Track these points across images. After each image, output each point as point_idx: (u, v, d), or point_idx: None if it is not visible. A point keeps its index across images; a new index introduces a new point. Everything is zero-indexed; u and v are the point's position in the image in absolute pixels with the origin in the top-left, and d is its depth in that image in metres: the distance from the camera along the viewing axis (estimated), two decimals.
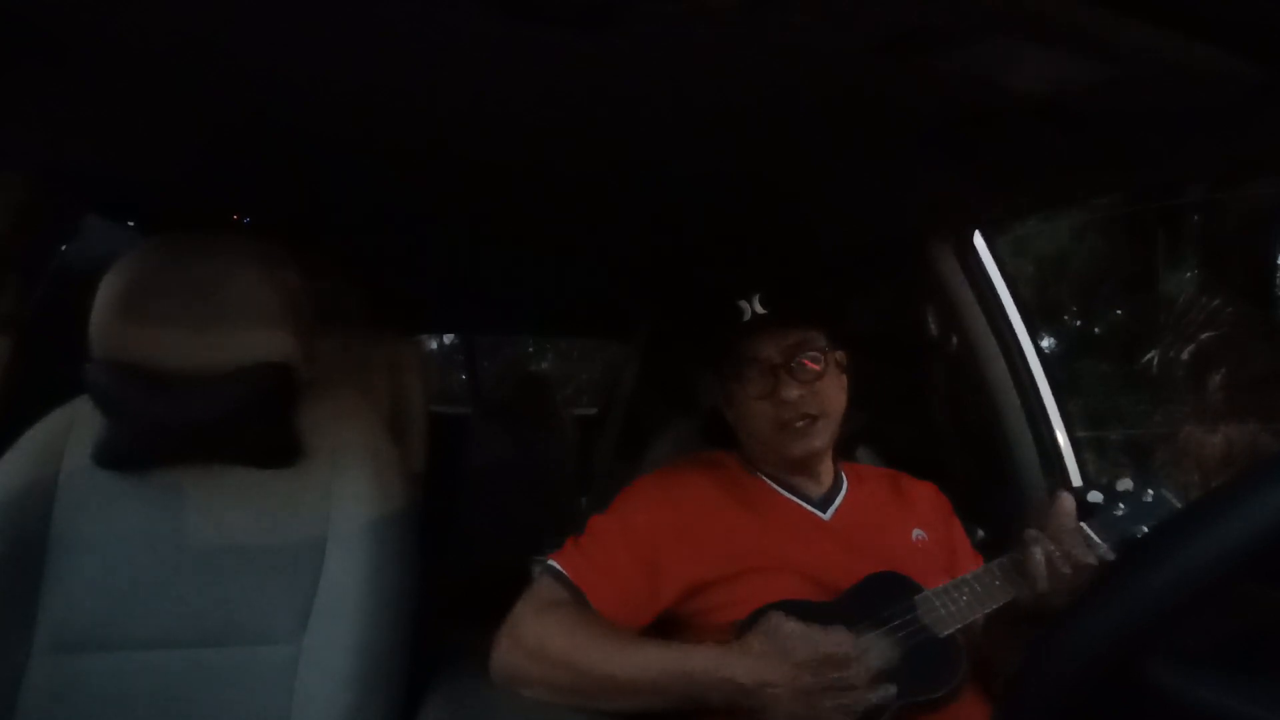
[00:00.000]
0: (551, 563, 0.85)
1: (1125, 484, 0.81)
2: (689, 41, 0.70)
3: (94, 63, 0.78)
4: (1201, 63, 0.66)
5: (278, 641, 0.89)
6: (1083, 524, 0.77)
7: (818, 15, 0.64)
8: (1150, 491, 0.78)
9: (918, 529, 0.93)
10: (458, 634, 0.91)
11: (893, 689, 0.71)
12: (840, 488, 0.95)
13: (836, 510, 0.92)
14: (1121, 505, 0.78)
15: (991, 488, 1.24)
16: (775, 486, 0.93)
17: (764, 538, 0.86)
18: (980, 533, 1.13)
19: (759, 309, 0.90)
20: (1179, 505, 0.77)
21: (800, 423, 0.88)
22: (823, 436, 0.90)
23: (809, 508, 0.92)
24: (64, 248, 1.21)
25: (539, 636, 0.78)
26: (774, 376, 0.88)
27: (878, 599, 0.79)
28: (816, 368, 0.89)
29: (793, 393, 0.87)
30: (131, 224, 1.40)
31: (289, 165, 1.14)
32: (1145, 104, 0.76)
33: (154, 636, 0.88)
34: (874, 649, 0.74)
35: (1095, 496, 0.82)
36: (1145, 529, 0.75)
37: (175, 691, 0.87)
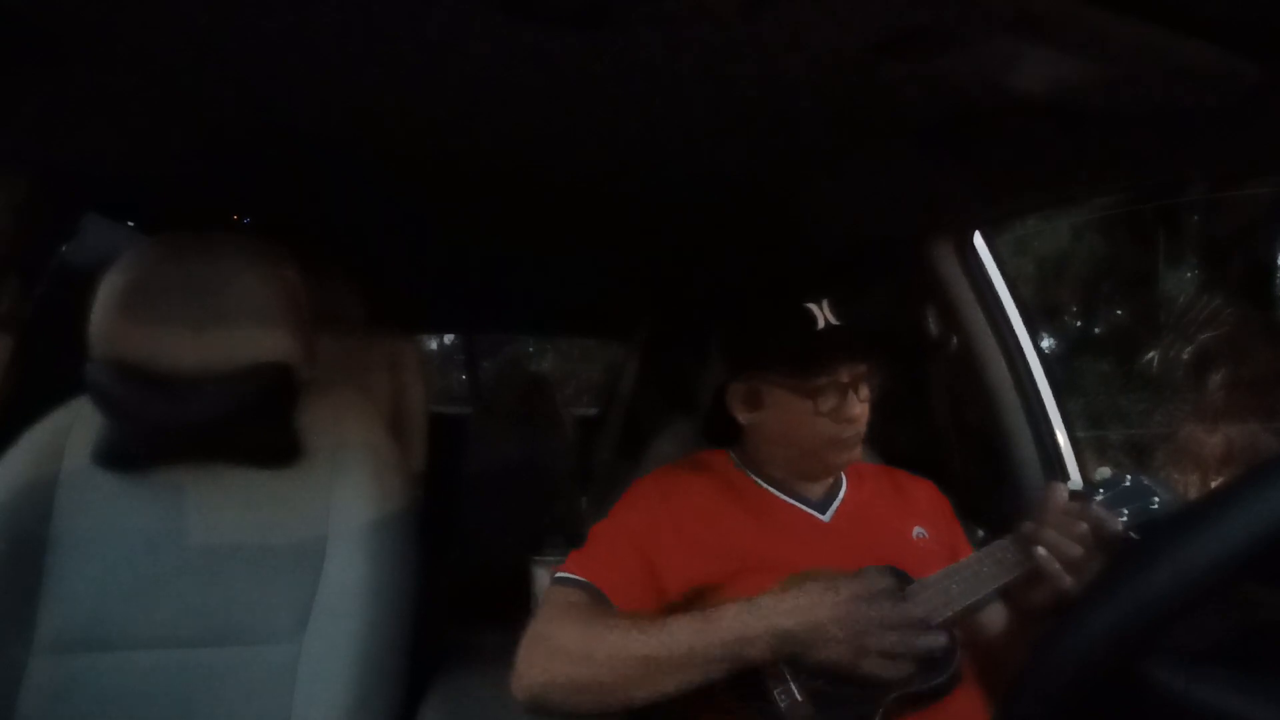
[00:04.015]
0: (560, 574, 0.82)
1: (1104, 472, 0.82)
2: (688, 41, 0.70)
3: (94, 63, 0.78)
4: (1201, 63, 0.66)
5: (278, 641, 0.89)
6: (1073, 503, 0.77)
7: (817, 15, 0.64)
8: (1129, 477, 0.79)
9: (919, 527, 0.92)
10: (458, 634, 0.92)
11: (943, 637, 0.70)
12: (839, 488, 0.94)
13: (836, 511, 0.91)
14: (1101, 491, 0.79)
15: (991, 488, 1.25)
16: (773, 490, 0.92)
17: (762, 541, 0.85)
18: (980, 533, 1.13)
19: (832, 319, 0.87)
20: (1156, 489, 0.78)
21: (850, 438, 0.87)
22: (860, 447, 0.90)
23: (808, 510, 0.91)
24: (64, 248, 1.21)
25: (564, 638, 0.75)
26: (842, 393, 0.85)
27: None
28: (872, 386, 0.87)
29: (856, 410, 0.86)
30: (131, 224, 1.40)
31: (289, 165, 1.14)
32: (1145, 104, 0.76)
33: (154, 636, 0.88)
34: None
35: (1075, 485, 0.83)
36: (1125, 512, 0.77)
37: (175, 691, 0.87)
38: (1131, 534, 0.76)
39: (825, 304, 0.87)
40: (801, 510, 0.90)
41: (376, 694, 0.88)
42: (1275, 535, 0.41)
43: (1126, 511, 0.77)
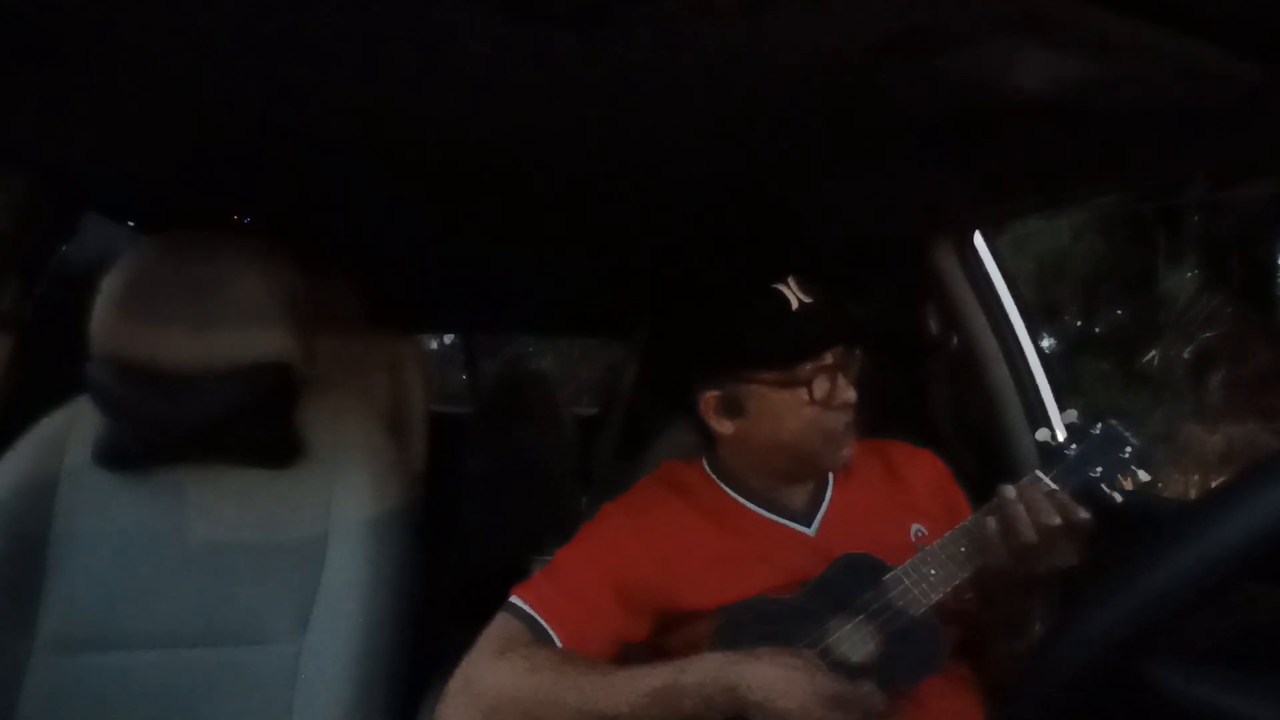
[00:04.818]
0: (513, 599, 0.77)
1: (1070, 416, 0.78)
2: (689, 42, 0.70)
3: (94, 63, 0.78)
4: (1201, 63, 0.66)
5: (278, 641, 0.89)
6: (1038, 472, 0.74)
7: (817, 16, 0.64)
8: (1099, 425, 0.76)
9: (917, 524, 0.85)
10: (458, 634, 0.91)
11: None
12: (825, 490, 0.86)
13: (822, 521, 0.84)
14: (1073, 445, 0.76)
15: (991, 488, 1.24)
16: (752, 506, 0.85)
17: (742, 565, 0.79)
18: None
19: (803, 297, 0.79)
20: (1127, 435, 0.76)
21: (847, 429, 0.80)
22: (852, 444, 0.82)
23: (792, 525, 0.84)
24: (64, 248, 1.21)
25: (501, 684, 0.69)
26: (832, 377, 0.78)
27: (846, 585, 0.75)
28: (855, 370, 0.80)
29: (851, 394, 0.78)
30: (131, 224, 1.41)
31: (289, 165, 1.14)
32: (1145, 104, 0.76)
33: (154, 636, 0.88)
34: (853, 640, 0.71)
35: (1043, 435, 0.80)
36: (1099, 469, 0.74)
37: (175, 691, 0.87)
38: (1104, 487, 0.74)
39: (792, 282, 0.79)
40: (784, 526, 0.84)
41: (376, 694, 0.88)
42: (1275, 535, 0.41)
43: (1100, 468, 0.75)
